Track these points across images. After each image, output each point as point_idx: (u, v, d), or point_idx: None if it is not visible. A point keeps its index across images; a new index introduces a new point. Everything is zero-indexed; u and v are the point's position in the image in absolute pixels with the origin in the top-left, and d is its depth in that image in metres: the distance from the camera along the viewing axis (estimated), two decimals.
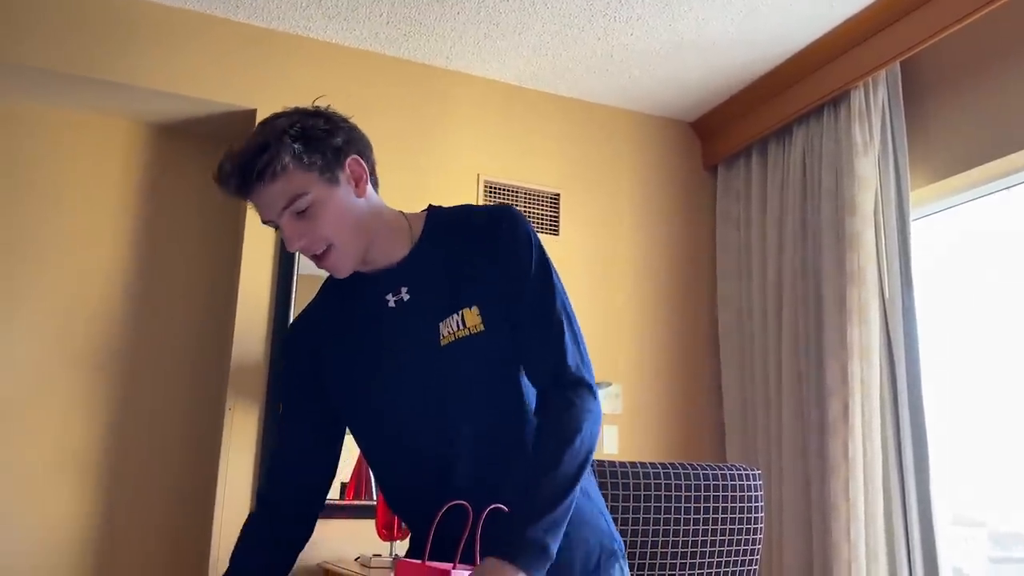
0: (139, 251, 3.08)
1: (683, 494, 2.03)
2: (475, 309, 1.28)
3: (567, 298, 1.34)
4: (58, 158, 3.01)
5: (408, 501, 1.39)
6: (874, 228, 2.83)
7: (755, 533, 2.15)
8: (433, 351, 1.29)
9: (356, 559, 2.65)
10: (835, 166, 2.96)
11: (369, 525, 2.66)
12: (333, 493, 2.87)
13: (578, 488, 1.21)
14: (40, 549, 2.78)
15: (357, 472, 2.91)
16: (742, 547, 2.12)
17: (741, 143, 3.44)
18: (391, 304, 1.33)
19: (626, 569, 1.38)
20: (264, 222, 1.28)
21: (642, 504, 2.00)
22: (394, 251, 1.33)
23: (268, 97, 2.99)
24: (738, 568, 2.12)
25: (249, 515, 1.39)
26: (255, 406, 2.81)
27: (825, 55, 3.00)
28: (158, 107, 3.01)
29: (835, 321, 2.82)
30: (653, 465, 2.08)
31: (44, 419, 2.85)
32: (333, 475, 1.44)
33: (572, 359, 1.28)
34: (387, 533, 2.53)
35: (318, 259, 1.28)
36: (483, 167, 3.29)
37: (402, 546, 2.54)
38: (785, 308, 3.10)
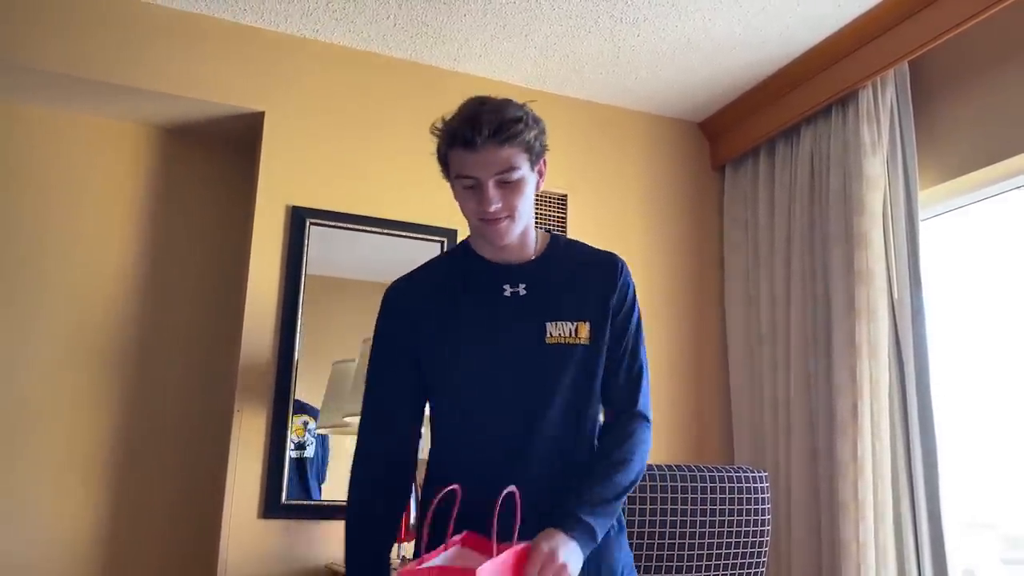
0: (148, 253, 3.09)
1: (690, 496, 2.03)
2: (587, 324, 1.50)
3: (645, 347, 1.61)
4: (68, 161, 3.03)
5: (465, 477, 1.41)
6: (882, 228, 2.82)
7: (762, 535, 2.14)
8: (536, 346, 1.47)
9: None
10: (843, 166, 2.95)
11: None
12: (339, 495, 2.88)
13: (624, 499, 1.44)
14: (49, 549, 2.80)
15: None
16: (749, 548, 2.12)
17: (749, 143, 3.43)
18: (507, 294, 1.51)
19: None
20: (460, 177, 1.45)
21: (648, 506, 2.00)
22: (524, 250, 1.54)
23: (276, 100, 3.00)
24: (746, 570, 2.11)
25: (354, 477, 1.52)
26: (263, 408, 2.82)
27: (833, 55, 2.99)
28: (167, 110, 3.03)
29: (844, 321, 2.82)
30: (660, 467, 2.08)
31: (53, 420, 2.87)
32: (419, 433, 1.58)
33: (645, 398, 1.55)
34: None
35: (494, 222, 1.44)
36: None
37: (408, 547, 2.55)
38: (793, 308, 3.09)
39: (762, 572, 2.17)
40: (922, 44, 2.69)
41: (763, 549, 2.15)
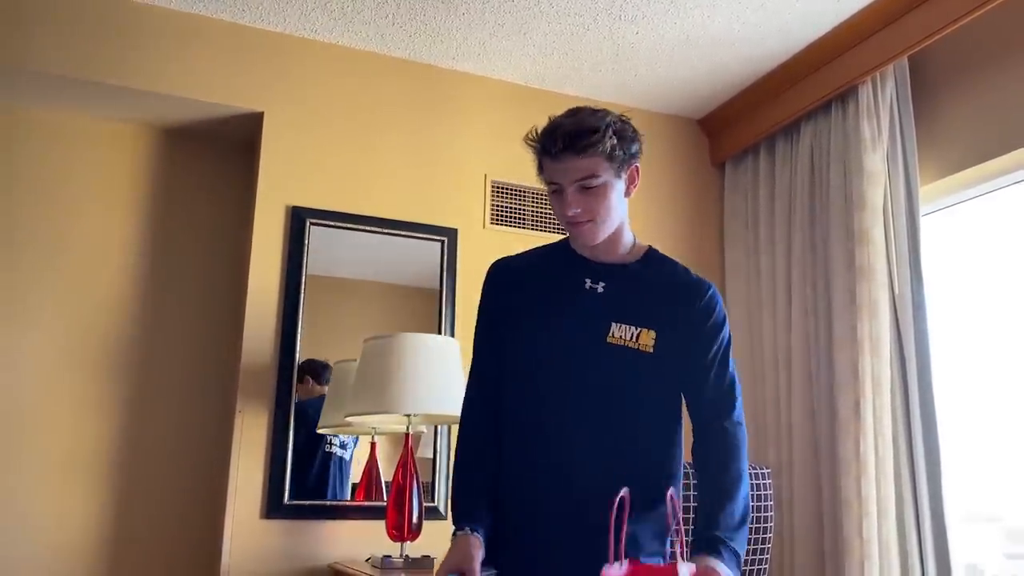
0: (149, 254, 3.09)
1: (692, 492, 2.02)
2: (652, 333, 1.55)
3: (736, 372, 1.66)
4: (68, 163, 3.03)
5: (519, 462, 1.59)
6: (883, 224, 2.82)
7: (766, 532, 2.14)
8: (598, 343, 1.54)
9: (367, 560, 2.66)
10: (843, 162, 2.94)
11: (379, 526, 2.67)
12: (344, 494, 2.88)
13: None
14: (53, 550, 2.79)
15: (367, 473, 2.92)
16: (753, 545, 2.11)
17: (748, 140, 3.43)
18: (587, 287, 1.60)
19: None
20: (548, 183, 1.54)
21: None
22: (614, 251, 1.62)
23: (276, 100, 3.00)
24: (750, 567, 2.11)
25: (462, 444, 1.64)
26: (265, 408, 2.82)
27: (832, 51, 2.98)
28: (166, 111, 3.02)
29: (845, 317, 2.81)
30: None
31: (56, 421, 2.87)
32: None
33: (740, 406, 1.62)
34: (397, 534, 2.54)
35: (577, 225, 1.53)
36: (490, 167, 3.29)
37: (412, 547, 2.55)
38: (794, 304, 3.08)
39: (765, 569, 2.17)
40: (922, 39, 2.68)
41: (766, 546, 2.15)
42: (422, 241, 3.11)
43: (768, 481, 2.16)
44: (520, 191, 3.31)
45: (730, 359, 1.64)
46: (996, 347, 2.77)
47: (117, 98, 2.93)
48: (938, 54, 2.87)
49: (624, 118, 1.58)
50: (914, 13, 2.70)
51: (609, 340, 1.54)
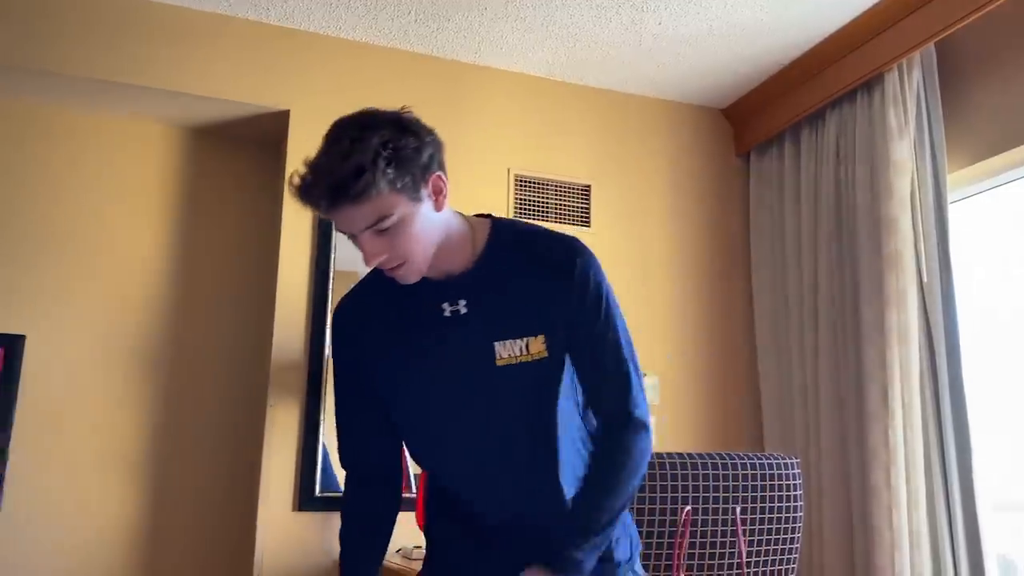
0: (180, 253, 3.14)
1: (721, 483, 2.03)
2: (541, 338, 1.32)
3: (629, 336, 1.39)
4: (98, 164, 3.08)
5: (451, 495, 1.47)
6: (911, 212, 2.80)
7: (794, 522, 2.14)
8: (486, 370, 1.32)
9: (397, 551, 2.69)
10: (869, 150, 2.92)
11: (409, 517, 2.69)
12: None
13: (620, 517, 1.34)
14: (89, 544, 2.86)
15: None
16: (781, 535, 2.12)
17: (774, 129, 3.41)
18: (447, 313, 1.34)
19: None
20: (339, 231, 1.27)
21: (680, 495, 2.00)
22: (457, 260, 1.34)
23: (300, 98, 3.03)
24: (778, 556, 2.11)
25: (344, 491, 1.48)
26: (296, 403, 2.86)
27: (857, 38, 2.96)
28: (194, 111, 3.06)
29: (872, 306, 2.80)
30: (691, 455, 2.08)
31: (92, 418, 2.93)
32: (399, 448, 1.49)
33: (637, 399, 1.36)
34: None
35: (390, 271, 1.29)
36: (513, 161, 3.30)
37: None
38: (821, 294, 3.07)
39: (795, 559, 2.17)
40: (949, 25, 2.65)
41: (796, 536, 2.15)
42: None
43: (797, 471, 2.16)
44: (543, 184, 3.31)
45: (622, 339, 1.37)
46: None
47: (145, 99, 2.97)
48: (966, 40, 2.83)
49: (403, 120, 1.25)
50: None
51: (499, 363, 1.32)
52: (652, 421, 1.40)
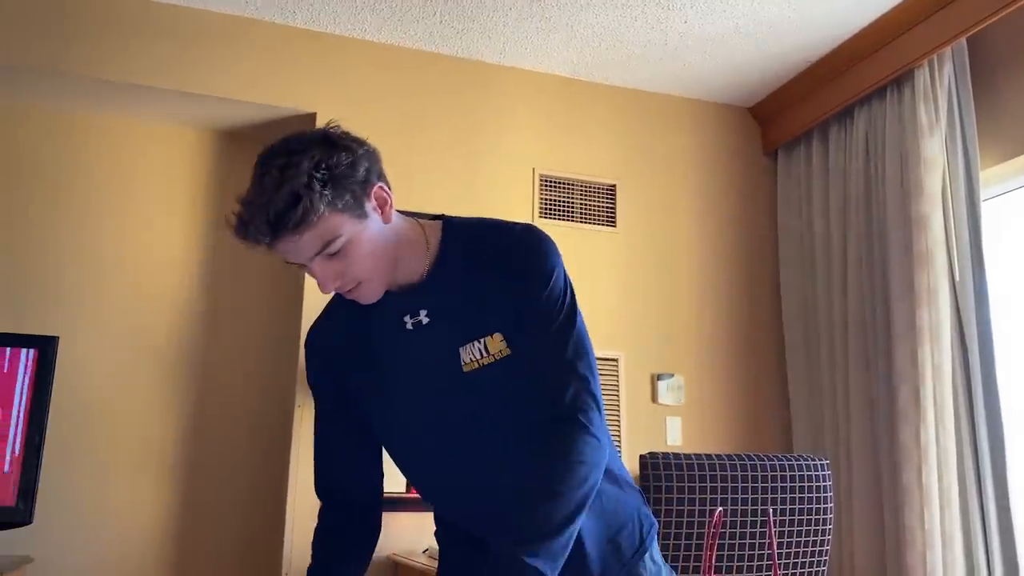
0: (209, 255, 3.18)
1: (749, 485, 2.02)
2: (498, 336, 1.25)
3: (584, 330, 1.28)
4: (129, 166, 3.12)
5: (440, 506, 1.45)
6: (942, 209, 2.76)
7: (825, 524, 2.12)
8: (455, 377, 1.26)
9: (424, 551, 2.70)
10: (900, 148, 2.88)
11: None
12: (399, 487, 2.92)
13: (579, 523, 1.17)
14: (120, 543, 2.90)
15: (409, 477, 2.95)
16: (811, 537, 2.10)
17: (801, 127, 3.38)
18: (408, 326, 1.29)
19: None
20: (289, 263, 1.19)
21: (708, 496, 1.99)
22: (413, 268, 1.27)
23: (327, 100, 3.05)
24: (808, 559, 2.10)
25: (318, 520, 1.44)
26: None
27: (886, 34, 2.92)
28: (222, 114, 3.10)
29: (903, 305, 2.76)
30: (719, 457, 2.07)
31: (122, 419, 2.97)
32: (379, 472, 1.43)
33: (579, 392, 1.23)
34: None
35: (347, 292, 1.22)
36: (538, 161, 3.30)
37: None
38: (850, 293, 3.04)
39: (825, 561, 2.15)
40: (981, 19, 2.61)
41: (826, 538, 2.13)
42: None
43: (827, 472, 2.14)
44: (568, 183, 3.31)
45: (573, 327, 1.26)
46: None
47: (174, 103, 3.01)
48: (998, 34, 2.79)
49: (330, 136, 1.20)
50: None
51: (466, 369, 1.25)
52: (604, 432, 1.25)
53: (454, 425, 1.30)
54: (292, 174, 1.11)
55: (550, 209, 3.27)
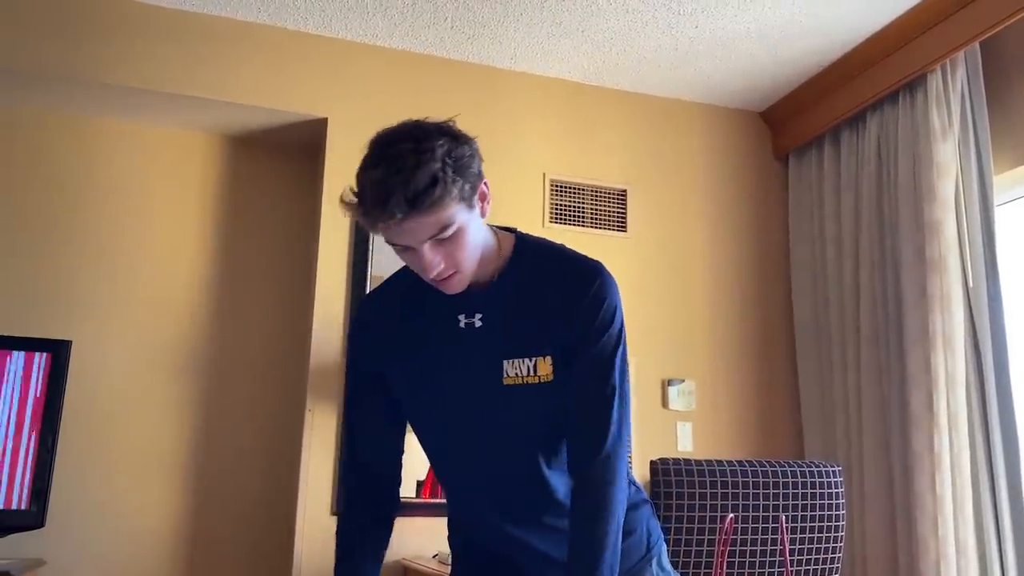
0: (220, 259, 3.19)
1: (761, 492, 2.01)
2: (549, 359, 1.29)
3: (627, 369, 1.33)
4: (142, 171, 3.14)
5: (454, 500, 1.48)
6: (955, 215, 2.74)
7: (837, 531, 2.11)
8: (493, 387, 1.30)
9: (434, 556, 2.70)
10: (912, 153, 2.87)
11: (445, 523, 2.70)
12: (410, 491, 2.93)
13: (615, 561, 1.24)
14: (132, 545, 2.91)
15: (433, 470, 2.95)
16: (823, 544, 2.09)
17: (813, 132, 3.37)
18: (462, 325, 1.33)
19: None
20: (392, 243, 1.23)
21: (719, 502, 1.98)
22: (484, 270, 1.31)
23: (338, 105, 3.06)
24: (820, 566, 2.08)
25: (344, 506, 1.46)
26: (333, 407, 2.88)
27: (899, 38, 2.91)
28: (233, 119, 3.11)
29: (916, 310, 2.75)
30: (730, 463, 2.06)
31: (135, 422, 2.98)
32: (401, 451, 1.47)
33: (611, 446, 1.27)
34: None
35: (443, 281, 1.25)
36: (549, 166, 3.30)
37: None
38: (863, 299, 3.02)
39: (837, 569, 2.14)
40: (994, 23, 2.60)
41: (838, 545, 2.12)
42: None
43: (839, 479, 2.13)
44: (579, 188, 3.31)
45: (615, 372, 1.29)
46: None
47: (185, 108, 3.02)
48: (1011, 38, 2.77)
49: (452, 129, 1.25)
50: None
51: (506, 382, 1.29)
52: (630, 470, 1.30)
53: (477, 432, 1.33)
54: (428, 158, 1.17)
55: (561, 214, 3.27)
